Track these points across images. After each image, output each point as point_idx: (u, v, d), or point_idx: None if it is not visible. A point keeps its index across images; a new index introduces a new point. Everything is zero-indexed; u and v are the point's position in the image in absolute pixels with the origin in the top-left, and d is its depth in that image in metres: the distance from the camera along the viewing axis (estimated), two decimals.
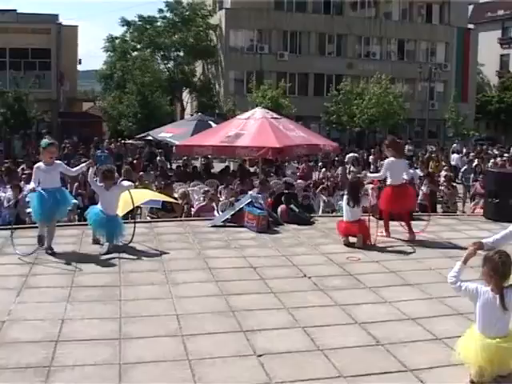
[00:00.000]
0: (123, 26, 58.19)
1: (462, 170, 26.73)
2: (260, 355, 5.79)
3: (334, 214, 14.94)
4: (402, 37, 58.83)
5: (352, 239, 10.55)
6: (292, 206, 12.85)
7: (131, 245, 10.01)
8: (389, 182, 11.20)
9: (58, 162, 9.90)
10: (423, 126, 56.10)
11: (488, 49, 68.10)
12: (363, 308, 7.16)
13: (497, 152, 39.92)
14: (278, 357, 5.77)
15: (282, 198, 13.39)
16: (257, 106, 28.80)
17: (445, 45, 60.73)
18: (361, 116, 49.18)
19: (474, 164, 27.59)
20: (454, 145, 42.81)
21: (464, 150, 39.10)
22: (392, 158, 11.14)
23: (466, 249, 5.89)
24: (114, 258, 9.30)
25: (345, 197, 11.03)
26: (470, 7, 66.84)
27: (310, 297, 7.61)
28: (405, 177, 11.21)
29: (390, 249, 10.47)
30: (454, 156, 33.78)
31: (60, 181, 9.98)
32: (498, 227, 12.23)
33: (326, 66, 55.38)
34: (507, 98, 64.64)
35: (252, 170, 24.67)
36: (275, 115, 21.60)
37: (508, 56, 72.81)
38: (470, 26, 64.60)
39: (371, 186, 12.94)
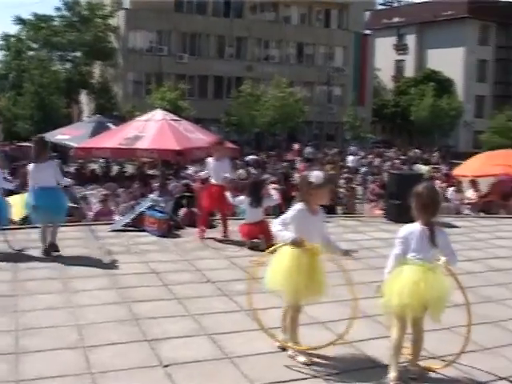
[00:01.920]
0: (18, 24, 56.40)
1: (362, 171, 27.24)
2: (166, 365, 5.52)
3: (235, 217, 14.82)
4: (300, 40, 59.56)
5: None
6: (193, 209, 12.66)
7: (27, 252, 9.55)
8: (212, 181, 11.14)
9: None
10: (321, 128, 56.98)
11: (384, 54, 70.04)
12: (270, 313, 6.98)
13: (393, 154, 40.95)
14: (185, 366, 5.52)
15: (183, 201, 13.17)
16: (156, 108, 28.37)
17: (343, 49, 61.94)
18: (260, 118, 49.47)
19: (373, 164, 28.23)
20: (351, 147, 43.66)
21: (362, 153, 39.94)
22: (214, 158, 11.12)
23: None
24: (8, 265, 8.82)
25: (246, 198, 10.92)
26: (367, 13, 68.45)
27: (214, 302, 7.40)
28: (226, 175, 11.10)
29: None
30: (350, 158, 34.42)
31: None
32: (399, 228, 12.43)
33: (226, 68, 55.49)
34: (402, 102, 66.46)
35: (151, 172, 24.22)
36: (175, 117, 21.35)
37: (403, 62, 75.03)
38: (367, 31, 66.15)
39: (273, 185, 12.91)
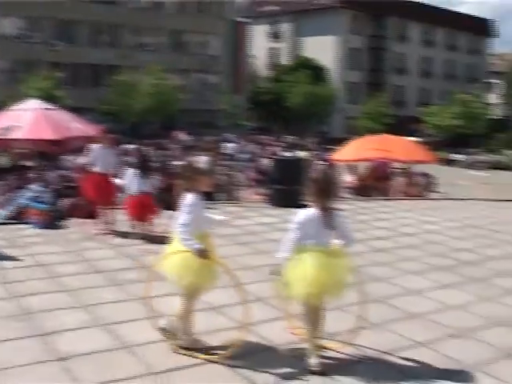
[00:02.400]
0: None
1: (240, 158, 27.45)
2: (63, 359, 5.40)
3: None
4: (176, 28, 59.12)
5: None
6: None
7: None
8: (96, 169, 10.98)
9: None
10: (197, 116, 56.90)
11: (259, 42, 70.76)
12: (162, 301, 6.95)
13: (268, 141, 41.46)
14: (83, 358, 5.42)
15: (66, 191, 12.89)
16: (30, 97, 27.46)
17: (218, 37, 61.96)
18: (136, 107, 48.90)
19: (251, 151, 28.50)
20: (227, 135, 43.87)
21: (239, 140, 40.18)
22: (100, 146, 11.02)
23: None
24: None
25: (132, 171, 10.72)
26: (243, 1, 68.88)
27: (106, 292, 7.31)
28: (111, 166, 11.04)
29: None
30: (227, 145, 34.58)
31: None
32: (283, 212, 12.67)
33: (101, 56, 54.37)
34: (278, 89, 67.25)
35: (28, 163, 23.43)
36: (51, 107, 20.76)
37: (278, 49, 76.03)
38: (243, 19, 66.50)
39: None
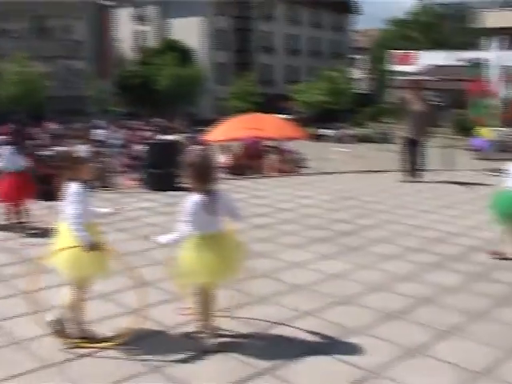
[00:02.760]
0: None
1: (113, 143, 27.08)
2: None
3: None
4: (39, 13, 57.21)
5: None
6: None
7: None
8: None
9: None
10: (65, 103, 55.52)
11: (125, 25, 69.67)
12: (48, 293, 6.77)
13: (139, 126, 41.10)
14: None
15: None
16: None
17: (82, 21, 60.48)
18: (1, 96, 47.23)
19: (122, 137, 28.19)
20: (96, 121, 43.12)
21: (109, 126, 39.58)
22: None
23: None
24: None
25: (9, 148, 10.16)
26: None
27: None
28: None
29: None
30: (98, 131, 34.06)
31: None
32: (160, 196, 12.63)
33: None
34: (146, 72, 66.52)
35: None
36: None
37: (144, 32, 75.08)
38: (107, 2, 65.18)
39: None
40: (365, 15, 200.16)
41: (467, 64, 21.04)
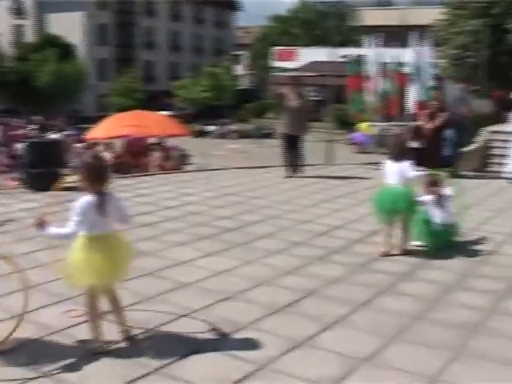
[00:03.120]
0: None
1: None
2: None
3: None
4: None
5: None
6: None
7: None
8: None
9: None
10: None
11: (2, 19, 67.31)
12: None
13: (20, 123, 39.89)
14: None
15: None
16: None
17: None
18: None
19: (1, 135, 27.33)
20: None
21: None
22: None
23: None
24: None
25: None
26: None
27: None
28: None
29: None
30: None
31: None
32: (42, 196, 12.30)
33: None
34: (23, 68, 64.63)
35: None
36: None
37: (21, 27, 72.89)
38: None
39: None
40: (246, 12, 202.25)
41: (347, 60, 21.55)
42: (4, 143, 26.97)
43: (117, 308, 5.60)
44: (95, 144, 21.43)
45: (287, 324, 6.06)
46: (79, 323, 5.81)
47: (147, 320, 6.01)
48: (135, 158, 21.03)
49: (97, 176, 5.25)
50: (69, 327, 5.84)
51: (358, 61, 19.41)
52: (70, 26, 67.87)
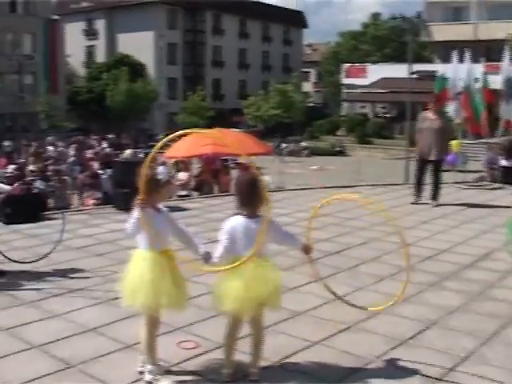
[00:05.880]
0: None
1: (68, 161, 26.43)
2: None
3: None
4: None
5: None
6: None
7: None
8: None
9: None
10: (15, 120, 54.44)
11: (74, 40, 68.84)
12: (34, 328, 6.32)
13: (95, 142, 40.43)
14: None
15: None
16: None
17: (31, 36, 59.42)
18: None
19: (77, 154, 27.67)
20: (49, 138, 42.32)
21: (61, 143, 38.88)
22: None
23: None
24: None
25: None
26: None
27: None
28: None
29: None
30: (50, 148, 33.38)
31: None
32: (123, 217, 12.15)
33: None
34: (95, 87, 65.81)
35: None
36: None
37: (94, 47, 74.34)
38: (56, 17, 64.26)
39: None
40: (313, 29, 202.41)
41: (436, 77, 21.00)
42: (79, 162, 27.20)
43: (256, 339, 5.24)
44: (181, 161, 21.27)
45: (416, 358, 5.64)
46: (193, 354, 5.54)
47: (267, 352, 5.57)
48: (215, 176, 20.84)
49: (250, 197, 5.00)
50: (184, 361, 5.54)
51: (445, 78, 18.85)
52: (140, 46, 68.76)
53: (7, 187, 10.33)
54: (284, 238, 5.26)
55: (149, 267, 4.97)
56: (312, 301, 7.21)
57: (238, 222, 5.01)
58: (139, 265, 5.04)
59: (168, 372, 5.23)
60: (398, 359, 5.63)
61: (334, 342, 6.03)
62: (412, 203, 14.48)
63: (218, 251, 5.03)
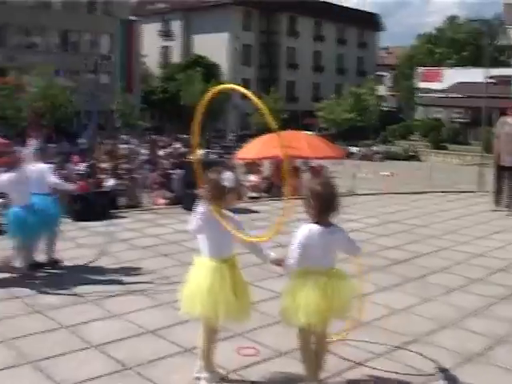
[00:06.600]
0: None
1: (140, 160, 26.70)
2: None
3: None
4: (64, 27, 57.33)
5: None
6: None
7: None
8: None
9: None
10: (91, 118, 55.44)
11: (150, 40, 69.82)
12: (94, 327, 6.31)
13: (167, 141, 40.77)
14: None
15: None
16: None
17: (108, 36, 60.56)
18: (26, 110, 47.22)
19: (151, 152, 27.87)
20: (123, 136, 42.92)
21: (134, 141, 39.39)
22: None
23: None
24: None
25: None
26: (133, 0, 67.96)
27: (28, 322, 6.49)
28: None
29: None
30: (123, 147, 33.78)
31: None
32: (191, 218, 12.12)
33: None
34: (170, 88, 66.57)
35: None
36: None
37: (169, 48, 75.30)
38: (133, 17, 65.34)
39: None
40: (385, 31, 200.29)
41: None
42: (155, 161, 27.43)
43: (320, 349, 5.04)
44: (252, 163, 21.23)
45: (483, 377, 5.38)
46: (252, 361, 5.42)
47: (328, 363, 5.38)
48: (285, 179, 20.69)
49: (326, 205, 4.77)
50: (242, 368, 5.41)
51: None
52: (215, 47, 69.24)
53: (70, 186, 10.36)
54: (350, 247, 5.05)
55: (208, 276, 4.86)
56: (377, 310, 6.97)
57: (312, 230, 4.78)
58: (199, 273, 4.94)
59: (225, 379, 5.13)
60: (464, 376, 5.37)
61: (397, 354, 5.80)
62: (492, 210, 14.05)
63: (291, 258, 4.81)
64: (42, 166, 8.75)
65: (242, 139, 30.77)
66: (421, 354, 5.76)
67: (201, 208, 4.92)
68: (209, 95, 5.04)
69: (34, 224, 8.15)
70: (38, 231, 8.44)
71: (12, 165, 8.20)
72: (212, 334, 5.03)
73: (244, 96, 4.81)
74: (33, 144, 9.01)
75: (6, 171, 8.24)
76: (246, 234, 5.06)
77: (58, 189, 9.20)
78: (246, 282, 5.13)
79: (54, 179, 8.76)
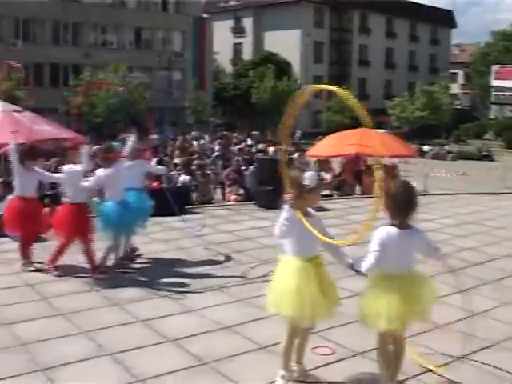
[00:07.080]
0: None
1: (213, 156, 26.88)
2: None
3: None
4: (138, 25, 58.22)
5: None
6: None
7: None
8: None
9: None
10: (163, 114, 56.12)
11: (222, 38, 70.20)
12: (170, 321, 6.39)
13: (238, 138, 40.92)
14: None
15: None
16: None
17: (181, 33, 61.18)
18: (101, 106, 48.11)
19: (218, 149, 28.02)
20: (194, 132, 43.22)
21: (206, 137, 39.62)
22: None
23: None
24: None
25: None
26: None
27: (106, 314, 6.64)
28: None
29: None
30: (195, 143, 34.04)
31: None
32: (273, 214, 12.14)
33: (62, 55, 53.07)
34: (241, 84, 66.85)
35: None
36: (17, 108, 20.00)
37: (241, 45, 75.55)
38: (205, 15, 65.86)
39: None
40: (458, 28, 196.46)
41: None
42: (228, 157, 27.54)
43: (398, 352, 4.97)
44: (324, 161, 21.10)
45: None
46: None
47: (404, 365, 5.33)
48: (357, 177, 20.51)
49: (405, 207, 4.70)
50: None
51: None
52: (286, 44, 69.15)
53: (163, 168, 10.85)
54: (430, 249, 4.93)
55: (295, 275, 4.84)
56: (454, 313, 6.83)
57: (391, 233, 4.70)
58: (285, 272, 4.92)
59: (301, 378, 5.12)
60: None
61: (475, 359, 5.67)
62: None
63: (368, 261, 4.71)
64: (138, 161, 8.96)
65: (312, 137, 30.60)
66: (499, 360, 5.62)
67: (285, 213, 4.84)
68: (302, 98, 5.01)
69: (128, 219, 8.34)
70: (131, 226, 8.64)
71: (110, 160, 8.37)
72: (295, 334, 5.02)
73: (322, 93, 4.76)
74: (130, 140, 9.16)
75: (103, 166, 8.43)
76: (328, 235, 5.02)
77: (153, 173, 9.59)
78: (332, 280, 5.09)
79: (153, 167, 9.80)
